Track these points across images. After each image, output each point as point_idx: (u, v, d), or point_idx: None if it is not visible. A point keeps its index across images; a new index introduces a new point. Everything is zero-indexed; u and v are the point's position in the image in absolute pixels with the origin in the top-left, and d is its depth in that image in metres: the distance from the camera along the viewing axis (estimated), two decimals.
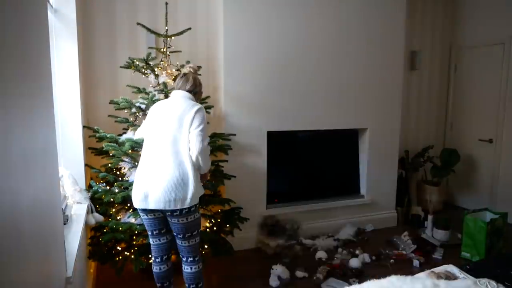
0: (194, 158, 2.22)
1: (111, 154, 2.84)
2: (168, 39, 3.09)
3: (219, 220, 3.10)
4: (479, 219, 3.42)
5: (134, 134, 2.83)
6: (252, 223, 3.51)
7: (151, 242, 2.42)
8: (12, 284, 0.95)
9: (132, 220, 2.74)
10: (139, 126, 2.95)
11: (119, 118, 3.03)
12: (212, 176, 3.12)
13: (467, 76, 4.93)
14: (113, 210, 2.91)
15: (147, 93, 3.01)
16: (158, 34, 3.10)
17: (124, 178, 2.93)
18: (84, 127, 2.91)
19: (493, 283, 1.77)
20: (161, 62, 3.08)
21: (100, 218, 2.66)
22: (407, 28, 4.30)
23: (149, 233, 2.39)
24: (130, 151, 2.82)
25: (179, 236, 2.31)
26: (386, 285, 1.75)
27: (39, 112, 1.31)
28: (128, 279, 2.93)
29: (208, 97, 3.28)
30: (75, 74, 2.73)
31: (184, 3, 3.54)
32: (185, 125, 2.23)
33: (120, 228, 2.68)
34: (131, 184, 2.76)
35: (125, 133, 3.01)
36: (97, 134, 2.87)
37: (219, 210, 3.23)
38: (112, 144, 2.76)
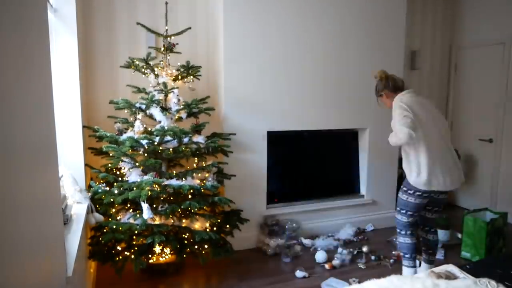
0: None
1: (110, 155, 2.84)
2: (168, 38, 3.09)
3: (219, 220, 3.09)
4: (479, 219, 3.42)
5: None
6: (252, 223, 3.51)
7: (410, 220, 2.78)
8: (12, 284, 0.95)
9: (132, 220, 2.74)
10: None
11: (118, 119, 3.03)
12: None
13: (467, 76, 4.92)
14: (113, 210, 2.91)
15: (147, 93, 3.01)
16: (158, 34, 3.09)
17: (124, 178, 2.92)
18: (84, 127, 2.91)
19: (493, 283, 1.77)
20: (161, 62, 3.08)
21: (100, 218, 2.66)
22: (407, 28, 4.30)
23: (415, 211, 2.79)
24: (129, 151, 2.82)
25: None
26: (386, 285, 1.75)
27: (39, 112, 1.31)
28: (128, 279, 2.93)
29: (208, 97, 3.28)
30: (75, 74, 2.73)
31: (184, 3, 3.54)
32: None
33: (120, 228, 2.68)
34: (130, 184, 2.75)
35: (125, 133, 3.00)
36: (97, 134, 2.87)
37: (217, 211, 3.23)
38: (112, 145, 2.76)
